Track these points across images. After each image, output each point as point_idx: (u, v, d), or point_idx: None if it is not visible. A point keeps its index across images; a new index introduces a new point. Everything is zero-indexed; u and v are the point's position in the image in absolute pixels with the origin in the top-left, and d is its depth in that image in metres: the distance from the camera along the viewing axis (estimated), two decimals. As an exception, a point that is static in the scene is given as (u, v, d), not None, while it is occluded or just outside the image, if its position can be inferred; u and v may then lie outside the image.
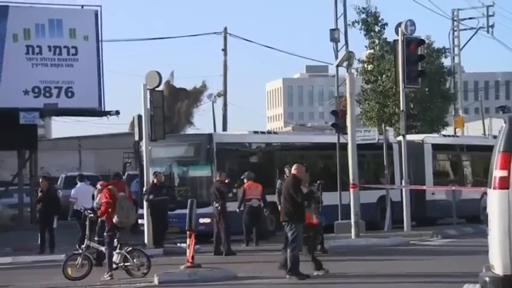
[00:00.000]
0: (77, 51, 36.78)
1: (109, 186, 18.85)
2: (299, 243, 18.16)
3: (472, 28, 54.75)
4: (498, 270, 10.29)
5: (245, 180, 25.95)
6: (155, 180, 25.53)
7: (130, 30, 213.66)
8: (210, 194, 24.61)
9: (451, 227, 29.98)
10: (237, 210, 25.77)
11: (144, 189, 25.65)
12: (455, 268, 15.57)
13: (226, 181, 24.26)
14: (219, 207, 23.70)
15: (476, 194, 31.66)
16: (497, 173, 10.37)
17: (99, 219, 19.25)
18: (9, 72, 35.50)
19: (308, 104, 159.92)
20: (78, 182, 26.00)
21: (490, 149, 11.36)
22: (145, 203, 25.04)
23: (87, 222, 19.04)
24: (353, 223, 25.96)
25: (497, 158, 10.45)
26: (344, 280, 17.21)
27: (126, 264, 18.20)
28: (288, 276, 17.25)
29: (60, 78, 36.44)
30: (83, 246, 18.39)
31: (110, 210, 18.20)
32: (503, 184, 10.28)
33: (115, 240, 18.28)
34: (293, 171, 18.24)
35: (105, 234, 18.41)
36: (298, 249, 17.84)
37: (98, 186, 21.76)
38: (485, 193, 12.28)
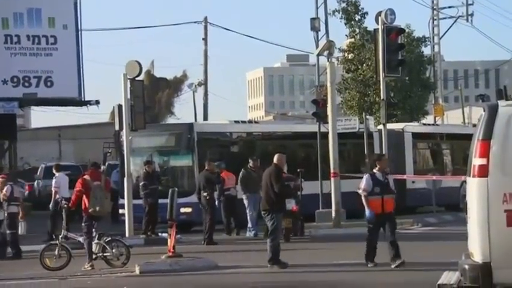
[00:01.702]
0: (56, 41, 36.64)
1: (84, 176, 18.87)
2: (279, 233, 18.27)
3: (451, 17, 54.94)
4: (477, 258, 10.36)
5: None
6: (146, 169, 25.59)
7: (110, 20, 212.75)
8: (198, 183, 24.57)
9: (431, 215, 30.11)
10: (216, 201, 25.80)
11: (142, 182, 25.51)
12: (435, 256, 15.65)
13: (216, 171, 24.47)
14: (207, 197, 23.75)
15: (456, 182, 31.77)
16: (477, 161, 10.43)
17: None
18: (-12, 63, 35.41)
19: (289, 93, 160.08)
20: (56, 172, 25.83)
21: (469, 137, 11.42)
22: (126, 192, 24.96)
23: (63, 213, 18.97)
24: (333, 212, 26.03)
25: (476, 147, 10.50)
26: (324, 269, 17.28)
27: (105, 254, 18.23)
28: (269, 266, 17.25)
29: (39, 68, 36.32)
30: (61, 236, 18.34)
31: (84, 199, 18.23)
32: (482, 172, 10.34)
33: (93, 230, 18.32)
34: (275, 160, 18.23)
35: (82, 224, 18.40)
36: (278, 238, 17.94)
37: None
38: (464, 181, 12.33)
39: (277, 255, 17.34)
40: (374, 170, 17.56)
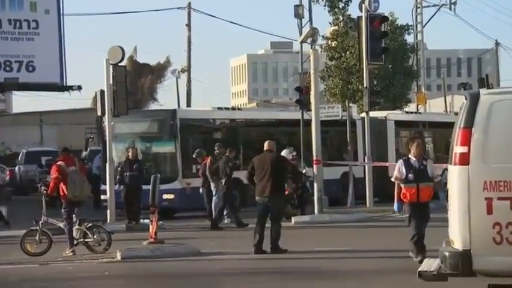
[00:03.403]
0: (38, 25, 36.62)
1: (58, 162, 18.82)
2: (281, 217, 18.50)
3: (434, 5, 55.15)
4: (457, 245, 10.42)
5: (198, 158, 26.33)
6: (129, 155, 25.55)
7: (92, 5, 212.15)
8: (219, 168, 24.48)
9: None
10: (200, 189, 25.85)
11: (117, 165, 25.50)
12: (402, 241, 15.67)
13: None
14: (224, 183, 23.86)
15: (438, 170, 31.88)
16: (458, 149, 10.47)
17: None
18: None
19: (272, 81, 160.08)
20: None
21: (451, 125, 11.47)
22: (108, 178, 24.94)
23: (43, 198, 18.93)
24: (316, 199, 26.10)
25: (457, 135, 10.55)
26: (305, 255, 17.33)
27: (86, 240, 18.24)
28: (269, 252, 17.41)
29: (21, 53, 36.31)
30: (41, 222, 18.33)
31: (61, 186, 18.23)
32: (464, 160, 10.38)
33: (74, 215, 18.33)
34: (267, 147, 18.33)
35: (62, 210, 18.41)
36: (280, 223, 18.11)
37: None
38: (446, 169, 12.39)
39: (278, 239, 17.57)
40: (409, 155, 15.69)
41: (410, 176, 15.13)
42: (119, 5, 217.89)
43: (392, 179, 15.88)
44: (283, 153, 26.36)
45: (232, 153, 24.72)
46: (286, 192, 24.34)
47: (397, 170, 15.46)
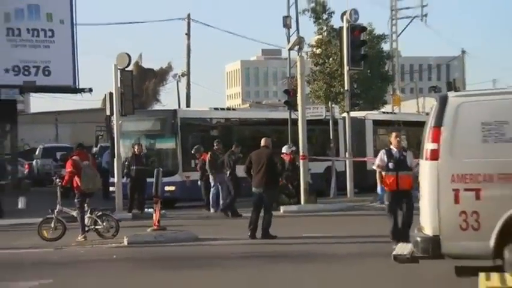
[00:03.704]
0: (53, 34, 36.55)
1: (73, 157, 18.81)
2: (272, 207, 18.44)
3: (408, 17, 55.29)
4: (428, 231, 10.45)
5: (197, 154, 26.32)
6: (135, 151, 25.54)
7: (102, 15, 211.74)
8: (224, 162, 24.40)
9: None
10: (198, 182, 25.85)
11: (125, 160, 25.46)
12: (382, 228, 15.68)
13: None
14: (229, 175, 23.79)
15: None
16: (429, 145, 10.51)
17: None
18: (-9, 54, 35.24)
19: (263, 84, 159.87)
20: None
21: (423, 124, 11.48)
22: (116, 172, 24.90)
23: (58, 190, 18.91)
24: (302, 190, 26.09)
25: (429, 133, 10.58)
26: (294, 241, 17.34)
27: (97, 227, 18.24)
28: (261, 237, 17.39)
29: (38, 58, 36.22)
30: (56, 210, 18.33)
31: (75, 178, 18.21)
32: (434, 156, 10.42)
33: (85, 205, 18.32)
34: (264, 143, 18.30)
35: (75, 200, 18.38)
36: (271, 212, 18.06)
37: None
38: (418, 163, 12.39)
39: (268, 227, 17.54)
40: (391, 147, 15.52)
41: (391, 164, 15.07)
42: (126, 16, 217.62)
43: (374, 167, 15.86)
44: (284, 148, 26.52)
45: (237, 148, 24.67)
46: (280, 183, 24.67)
47: (379, 158, 15.44)
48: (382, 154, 15.40)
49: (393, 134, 15.69)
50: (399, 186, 15.03)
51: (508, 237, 8.88)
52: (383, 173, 15.36)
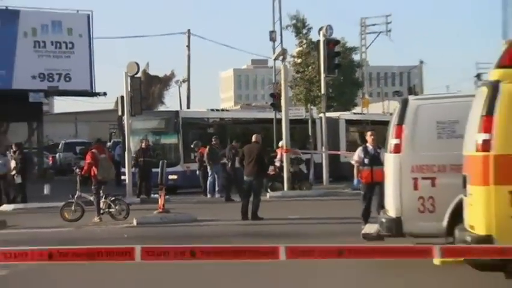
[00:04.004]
0: (73, 46, 36.51)
1: (92, 150, 18.78)
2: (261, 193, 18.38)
3: (375, 32, 55.33)
4: (392, 213, 10.50)
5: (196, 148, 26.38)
6: (142, 145, 25.57)
7: (115, 30, 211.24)
8: (225, 154, 24.43)
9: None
10: (197, 171, 25.88)
11: (133, 153, 25.43)
12: (355, 211, 15.72)
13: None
14: (230, 165, 23.72)
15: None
16: (393, 141, 10.54)
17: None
18: (21, 62, 35.20)
19: (253, 88, 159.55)
20: None
21: (387, 123, 11.52)
22: (127, 163, 24.87)
23: (77, 178, 18.89)
24: (286, 178, 26.12)
25: (392, 130, 10.62)
26: (278, 222, 17.36)
27: (110, 210, 18.23)
28: (250, 219, 17.36)
29: (60, 67, 36.20)
30: (76, 196, 18.31)
31: (93, 169, 18.17)
32: (397, 150, 10.47)
33: (101, 191, 18.31)
34: (255, 139, 18.26)
35: (92, 187, 18.37)
36: (260, 197, 18.05)
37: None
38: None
39: (257, 210, 17.54)
40: (367, 144, 15.18)
41: (366, 160, 14.83)
42: (136, 30, 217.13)
43: (352, 162, 15.63)
44: (280, 143, 26.64)
45: (237, 143, 24.57)
46: (273, 173, 24.81)
47: (357, 155, 15.20)
48: (359, 151, 15.17)
49: (369, 133, 15.44)
50: (374, 179, 14.64)
51: (458, 218, 8.92)
52: (360, 167, 15.14)
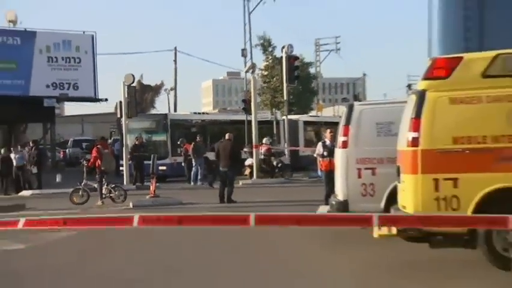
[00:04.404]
0: (80, 60, 36.27)
1: (98, 146, 18.71)
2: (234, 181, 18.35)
3: (327, 50, 55.62)
4: (340, 197, 10.56)
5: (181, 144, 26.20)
6: (137, 142, 25.42)
7: (115, 47, 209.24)
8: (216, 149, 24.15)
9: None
10: (182, 163, 25.79)
11: (130, 148, 25.26)
12: (315, 196, 15.79)
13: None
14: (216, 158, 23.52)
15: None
16: (341, 138, 10.60)
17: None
18: (37, 74, 34.89)
19: (228, 96, 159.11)
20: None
21: (337, 123, 11.57)
22: (124, 157, 24.73)
23: (84, 169, 18.77)
24: (255, 169, 26.16)
25: (341, 129, 10.68)
26: (249, 205, 17.36)
27: (111, 195, 18.15)
28: (226, 202, 17.30)
29: (69, 78, 35.96)
30: (82, 183, 18.18)
31: (98, 161, 18.08)
32: (344, 145, 10.52)
33: (104, 179, 18.20)
34: (227, 137, 18.22)
35: (96, 176, 18.28)
36: (234, 185, 18.03)
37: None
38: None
39: (231, 195, 17.55)
40: (326, 139, 15.04)
41: (325, 153, 14.77)
42: (132, 47, 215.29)
43: (315, 155, 15.64)
44: (264, 140, 26.76)
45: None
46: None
47: (318, 149, 15.22)
48: (319, 145, 15.16)
49: (328, 130, 15.45)
50: (331, 168, 14.61)
51: (392, 200, 9.00)
52: (320, 159, 15.17)
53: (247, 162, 26.71)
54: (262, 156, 26.45)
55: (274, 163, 26.41)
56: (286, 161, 27.28)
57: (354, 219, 5.78)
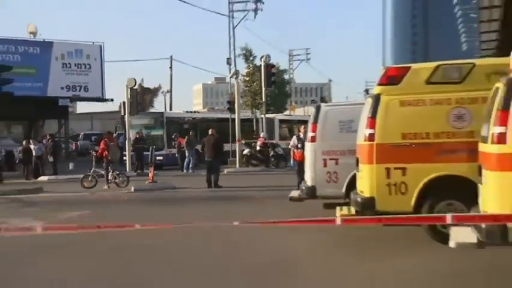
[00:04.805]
0: (90, 67, 36.07)
1: (105, 138, 18.64)
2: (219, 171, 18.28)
3: (299, 60, 55.65)
4: (309, 183, 10.59)
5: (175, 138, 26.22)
6: (138, 136, 25.32)
7: (121, 55, 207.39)
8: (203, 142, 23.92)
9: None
10: (176, 154, 25.70)
11: (132, 141, 25.14)
12: (287, 182, 15.83)
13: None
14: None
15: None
16: (310, 134, 10.62)
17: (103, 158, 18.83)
18: (53, 78, 34.72)
19: (215, 97, 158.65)
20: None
21: (307, 122, 11.58)
22: (127, 148, 24.60)
23: (93, 158, 18.66)
24: (237, 159, 26.15)
25: (310, 127, 10.71)
26: (233, 189, 17.34)
27: (115, 180, 18.04)
28: (213, 187, 17.22)
29: (81, 81, 35.78)
30: (92, 170, 18.07)
31: (105, 152, 18.00)
32: (313, 140, 10.55)
33: (109, 167, 18.09)
34: (211, 133, 18.16)
35: (103, 164, 18.18)
36: (219, 173, 17.98)
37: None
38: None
39: (217, 181, 17.48)
40: (300, 134, 14.95)
41: (299, 145, 14.70)
42: (135, 55, 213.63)
43: (289, 147, 15.78)
44: (262, 134, 26.77)
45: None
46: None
47: (293, 141, 15.24)
48: (294, 138, 15.09)
49: (303, 126, 15.33)
50: (303, 158, 14.71)
51: (352, 186, 9.06)
52: (295, 151, 15.10)
53: (244, 152, 26.77)
54: (258, 148, 26.59)
55: (271, 154, 26.34)
56: (281, 151, 27.12)
57: (320, 220, 5.77)
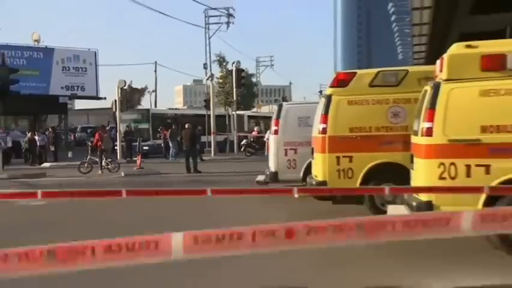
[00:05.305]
0: (86, 70, 35.47)
1: (99, 131, 18.39)
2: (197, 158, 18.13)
3: (264, 65, 55.71)
4: (272, 169, 10.64)
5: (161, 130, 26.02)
6: (127, 129, 25.00)
7: (112, 59, 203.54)
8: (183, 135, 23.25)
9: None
10: (161, 144, 25.45)
11: (122, 133, 24.78)
12: (255, 168, 15.83)
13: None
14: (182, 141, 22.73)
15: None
16: (273, 128, 10.67)
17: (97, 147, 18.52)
18: (54, 79, 33.98)
19: (194, 97, 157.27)
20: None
21: (271, 118, 11.59)
22: (118, 139, 24.23)
23: (89, 148, 18.34)
24: (212, 150, 26.05)
25: (273, 121, 10.75)
26: (211, 175, 17.29)
27: (108, 167, 17.77)
28: (193, 172, 17.05)
29: (78, 82, 35.18)
30: (87, 158, 17.76)
31: (99, 142, 17.73)
32: (276, 133, 10.60)
33: (103, 155, 17.81)
34: (187, 126, 18.13)
35: (98, 153, 17.88)
36: (197, 160, 17.86)
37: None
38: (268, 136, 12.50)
39: (196, 167, 17.36)
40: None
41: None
42: (124, 60, 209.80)
43: (265, 139, 15.72)
44: (256, 128, 26.62)
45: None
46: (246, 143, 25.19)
47: (267, 134, 15.21)
48: (268, 132, 15.16)
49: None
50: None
51: (308, 171, 9.15)
52: (267, 141, 15.12)
53: (242, 142, 27.00)
54: (252, 139, 26.76)
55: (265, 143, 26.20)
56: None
57: (278, 191, 5.84)
